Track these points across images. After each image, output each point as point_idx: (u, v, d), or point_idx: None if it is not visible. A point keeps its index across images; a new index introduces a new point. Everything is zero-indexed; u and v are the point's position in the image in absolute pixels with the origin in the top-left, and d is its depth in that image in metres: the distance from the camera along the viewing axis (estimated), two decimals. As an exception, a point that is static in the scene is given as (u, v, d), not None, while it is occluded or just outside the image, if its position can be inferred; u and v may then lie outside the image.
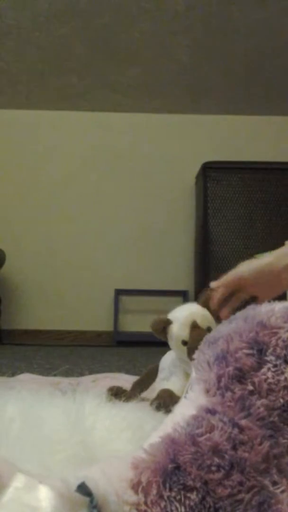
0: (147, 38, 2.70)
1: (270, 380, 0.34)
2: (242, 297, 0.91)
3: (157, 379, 1.04)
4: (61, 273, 3.37)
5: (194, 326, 0.92)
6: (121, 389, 1.00)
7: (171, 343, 0.97)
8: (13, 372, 1.59)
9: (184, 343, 0.94)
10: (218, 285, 0.90)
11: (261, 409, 0.33)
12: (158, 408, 0.78)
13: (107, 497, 0.28)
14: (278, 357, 0.35)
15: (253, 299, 0.87)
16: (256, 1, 2.40)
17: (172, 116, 3.48)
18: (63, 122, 3.46)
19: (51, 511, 0.26)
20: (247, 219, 3.01)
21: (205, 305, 0.95)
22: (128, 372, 1.61)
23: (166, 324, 0.96)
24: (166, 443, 0.32)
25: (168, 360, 1.03)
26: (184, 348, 0.94)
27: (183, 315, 0.95)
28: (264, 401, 0.34)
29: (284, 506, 0.30)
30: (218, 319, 0.96)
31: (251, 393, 0.34)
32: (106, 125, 3.47)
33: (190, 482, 0.30)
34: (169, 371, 1.00)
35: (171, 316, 0.98)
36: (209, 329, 0.93)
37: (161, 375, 1.03)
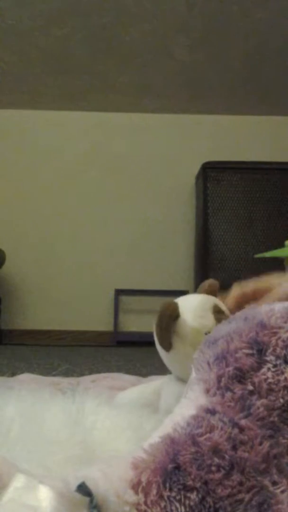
0: (147, 38, 2.70)
1: (270, 380, 0.34)
2: None
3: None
4: (61, 273, 3.37)
5: (218, 311, 0.66)
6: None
7: (180, 343, 0.66)
8: (13, 372, 1.59)
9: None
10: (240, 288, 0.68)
11: (261, 409, 0.33)
12: None
13: (107, 497, 0.28)
14: (278, 357, 0.35)
15: None
16: (256, 1, 2.40)
17: (172, 116, 3.48)
18: (63, 122, 3.47)
19: (51, 511, 0.26)
20: (247, 219, 3.01)
21: (210, 293, 0.71)
22: (128, 372, 1.61)
23: (176, 313, 0.66)
24: (166, 443, 0.32)
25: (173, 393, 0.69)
26: None
27: (197, 300, 0.68)
28: (264, 401, 0.34)
29: (284, 506, 0.30)
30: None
31: (251, 393, 0.34)
32: (106, 125, 3.47)
33: (190, 482, 0.30)
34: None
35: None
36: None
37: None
